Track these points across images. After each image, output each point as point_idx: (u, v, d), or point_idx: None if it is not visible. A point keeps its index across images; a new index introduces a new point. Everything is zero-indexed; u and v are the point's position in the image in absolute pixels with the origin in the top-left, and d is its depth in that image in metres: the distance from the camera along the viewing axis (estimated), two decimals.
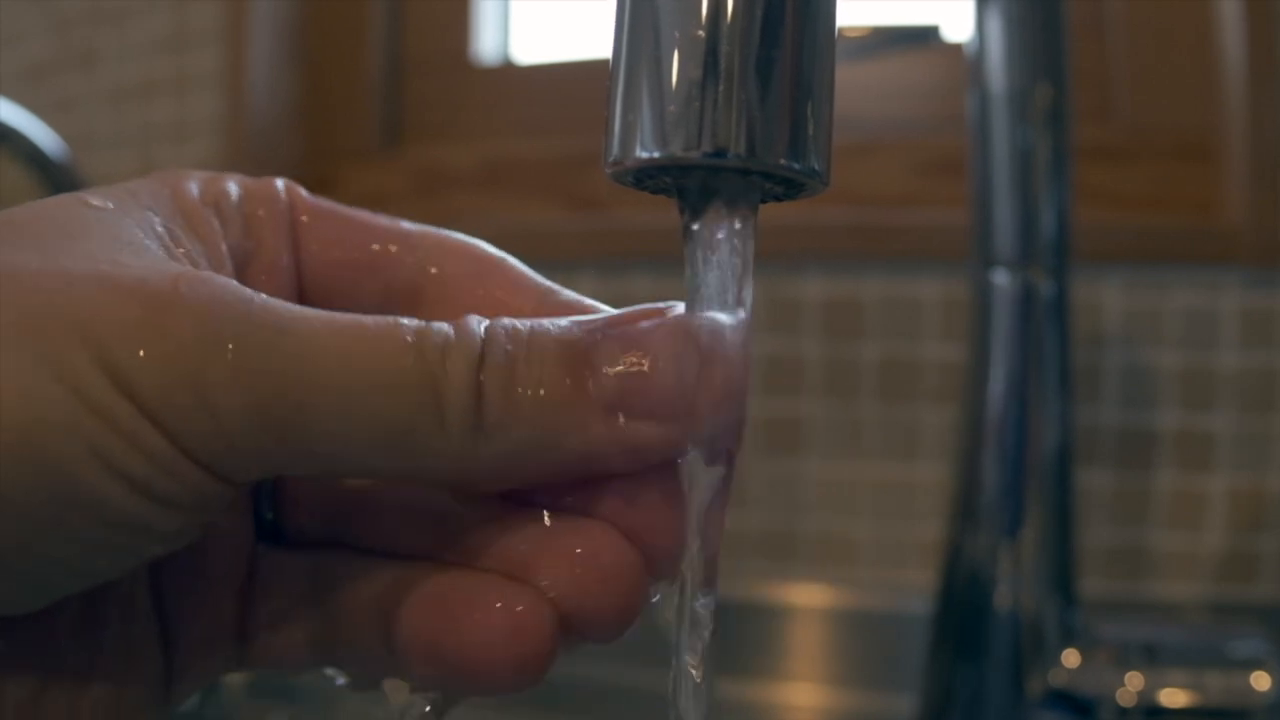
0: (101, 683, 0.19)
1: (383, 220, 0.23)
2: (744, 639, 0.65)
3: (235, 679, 0.57)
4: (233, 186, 0.22)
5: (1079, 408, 0.51)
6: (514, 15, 0.85)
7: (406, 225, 0.23)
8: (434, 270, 0.22)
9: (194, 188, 0.21)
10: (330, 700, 0.59)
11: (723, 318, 0.18)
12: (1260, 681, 0.44)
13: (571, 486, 0.19)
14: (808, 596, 0.64)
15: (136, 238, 0.18)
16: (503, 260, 0.22)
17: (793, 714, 0.63)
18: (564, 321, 0.18)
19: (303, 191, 0.23)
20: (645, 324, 0.18)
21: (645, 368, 0.18)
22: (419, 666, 0.18)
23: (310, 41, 0.84)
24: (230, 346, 0.16)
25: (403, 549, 0.20)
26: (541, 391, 0.17)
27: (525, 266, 0.22)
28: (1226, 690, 0.44)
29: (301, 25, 0.84)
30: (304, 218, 0.22)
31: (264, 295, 0.17)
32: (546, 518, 0.19)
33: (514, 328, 0.18)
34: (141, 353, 0.16)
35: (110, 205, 0.19)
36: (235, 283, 0.17)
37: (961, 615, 0.47)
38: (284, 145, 0.83)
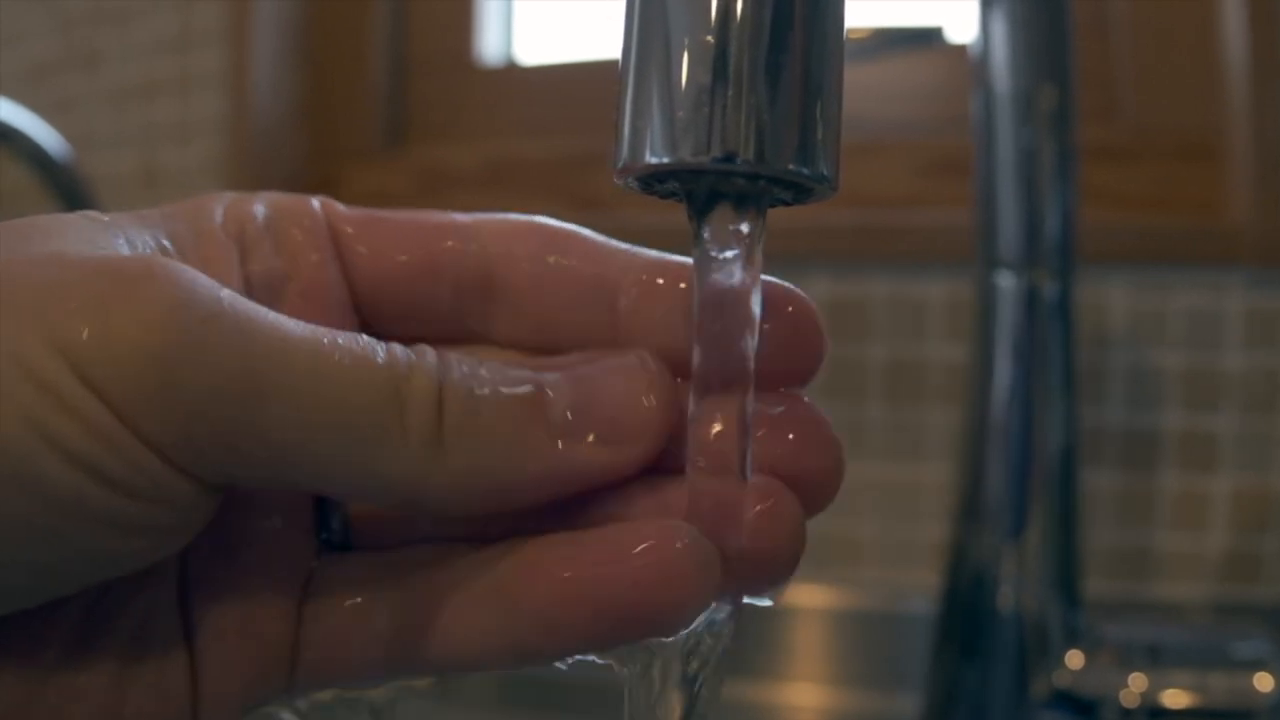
0: (96, 701, 0.18)
1: (433, 216, 0.22)
2: (747, 639, 0.65)
3: None
4: (260, 209, 0.21)
5: (1083, 409, 0.51)
6: (517, 16, 0.85)
7: (459, 216, 0.22)
8: (502, 255, 0.21)
9: (218, 212, 0.21)
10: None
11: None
12: (1263, 683, 0.44)
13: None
14: (811, 597, 0.64)
15: (118, 245, 0.18)
16: (572, 232, 0.22)
17: (796, 714, 0.63)
18: (518, 369, 0.19)
19: (339, 205, 0.22)
20: (598, 361, 0.19)
21: (594, 392, 0.18)
22: (560, 624, 0.18)
23: (313, 42, 0.84)
24: (192, 329, 0.16)
25: (508, 533, 0.19)
26: (498, 411, 0.18)
27: (596, 234, 0.22)
28: (1230, 691, 0.44)
29: (305, 25, 0.84)
30: (348, 230, 0.22)
31: (235, 293, 0.17)
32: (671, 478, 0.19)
33: (466, 359, 0.18)
34: (92, 329, 0.15)
35: (106, 219, 0.19)
36: (207, 277, 0.17)
37: (965, 616, 0.47)
38: (287, 145, 0.83)
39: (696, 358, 0.18)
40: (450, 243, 0.21)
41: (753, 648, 0.64)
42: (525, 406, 0.18)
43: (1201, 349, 0.61)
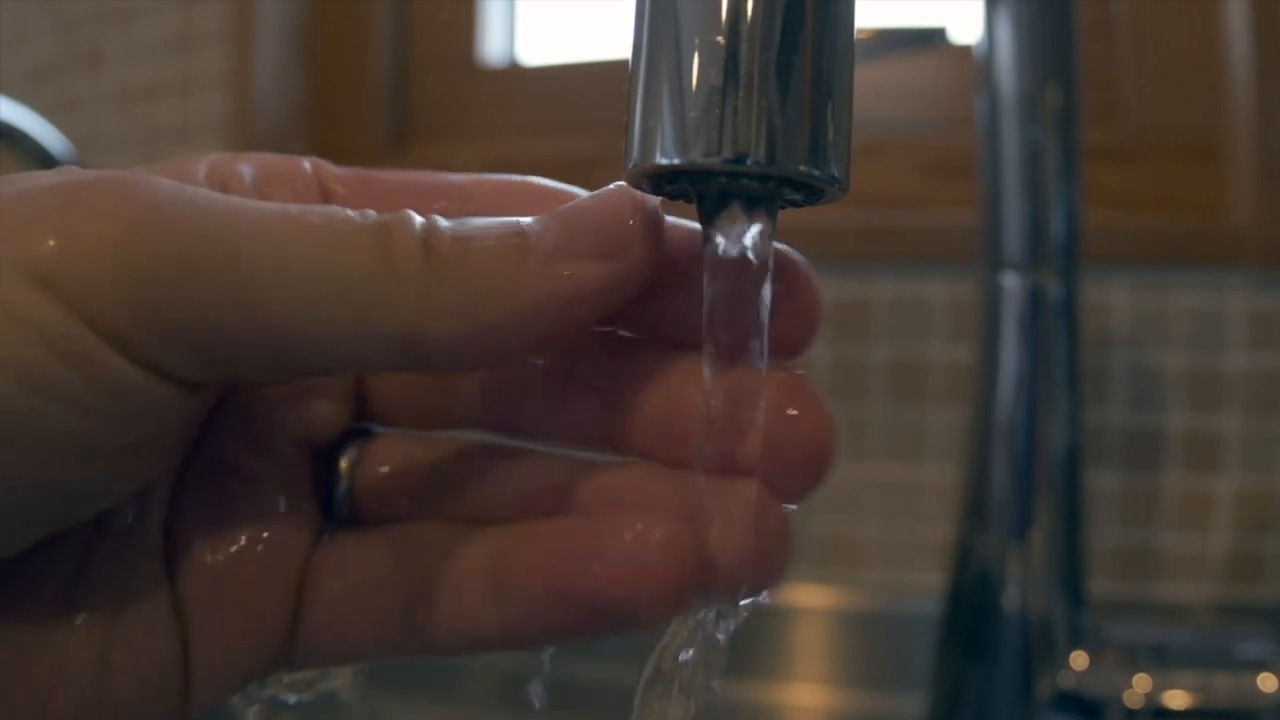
0: (81, 675, 0.18)
1: (425, 176, 0.22)
2: (750, 640, 0.65)
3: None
4: (247, 168, 0.21)
5: (1086, 409, 0.51)
6: (520, 16, 0.85)
7: (453, 177, 0.22)
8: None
9: (200, 169, 0.20)
10: (340, 702, 0.59)
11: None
12: (1267, 683, 0.44)
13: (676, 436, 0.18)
14: (813, 597, 0.64)
15: None
16: (562, 191, 0.21)
17: (799, 715, 0.63)
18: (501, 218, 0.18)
19: (331, 165, 0.22)
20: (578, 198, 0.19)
21: (578, 219, 0.18)
22: (542, 613, 0.18)
23: (317, 43, 0.84)
24: (150, 213, 0.15)
25: (505, 517, 0.19)
26: (486, 243, 0.17)
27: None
28: (1234, 692, 0.44)
29: (308, 26, 0.84)
30: (339, 190, 0.21)
31: (199, 186, 0.16)
32: (666, 470, 0.19)
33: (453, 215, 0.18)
34: (54, 234, 0.15)
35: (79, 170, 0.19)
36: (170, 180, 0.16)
37: (970, 616, 0.47)
38: (290, 146, 0.82)
39: (706, 356, 0.18)
40: (442, 204, 0.21)
41: (755, 648, 0.64)
42: (513, 238, 0.17)
43: (1204, 349, 0.61)
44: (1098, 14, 0.65)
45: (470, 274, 0.17)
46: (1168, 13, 0.64)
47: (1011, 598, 0.46)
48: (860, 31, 0.51)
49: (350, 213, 0.17)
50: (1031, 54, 0.44)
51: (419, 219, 0.17)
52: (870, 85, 0.68)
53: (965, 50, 0.49)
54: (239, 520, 0.20)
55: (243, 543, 0.19)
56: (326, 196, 0.21)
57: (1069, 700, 0.46)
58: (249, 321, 0.16)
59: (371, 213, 0.17)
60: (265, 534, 0.20)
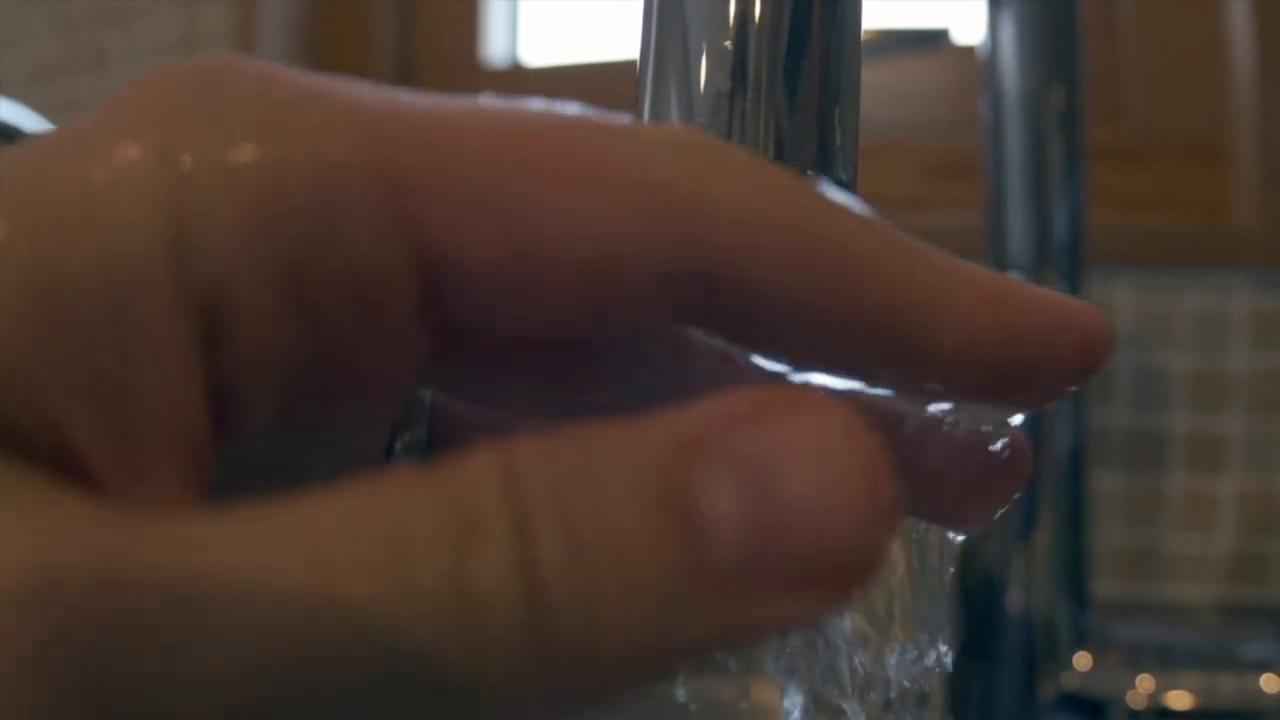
0: None
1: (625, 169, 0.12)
2: None
3: None
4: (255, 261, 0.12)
5: (1090, 410, 0.51)
6: (523, 17, 0.85)
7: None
8: (731, 269, 0.13)
9: (165, 260, 0.11)
10: None
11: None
12: (1270, 684, 0.44)
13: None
14: None
15: None
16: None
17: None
18: (632, 430, 0.11)
19: (417, 161, 0.12)
20: (772, 427, 0.11)
21: (777, 503, 0.10)
22: None
23: (319, 43, 0.84)
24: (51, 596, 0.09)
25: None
26: (633, 566, 0.10)
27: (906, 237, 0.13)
28: (1237, 692, 0.44)
29: (310, 27, 0.84)
30: (436, 213, 0.12)
31: (129, 512, 0.10)
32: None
33: (551, 454, 0.11)
34: None
35: None
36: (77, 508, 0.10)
37: (974, 617, 0.47)
38: None
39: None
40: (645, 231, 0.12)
41: (756, 646, 0.64)
42: (677, 555, 0.10)
43: (1208, 350, 0.61)
44: (1102, 14, 0.65)
45: (610, 633, 0.10)
46: (1172, 13, 0.64)
47: (1015, 598, 0.46)
48: (863, 33, 0.50)
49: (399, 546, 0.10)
50: (1035, 54, 0.44)
51: (515, 519, 0.10)
52: (872, 86, 0.68)
53: (967, 51, 0.49)
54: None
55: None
56: (408, 221, 0.12)
57: (1072, 701, 0.46)
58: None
59: (432, 508, 0.10)
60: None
